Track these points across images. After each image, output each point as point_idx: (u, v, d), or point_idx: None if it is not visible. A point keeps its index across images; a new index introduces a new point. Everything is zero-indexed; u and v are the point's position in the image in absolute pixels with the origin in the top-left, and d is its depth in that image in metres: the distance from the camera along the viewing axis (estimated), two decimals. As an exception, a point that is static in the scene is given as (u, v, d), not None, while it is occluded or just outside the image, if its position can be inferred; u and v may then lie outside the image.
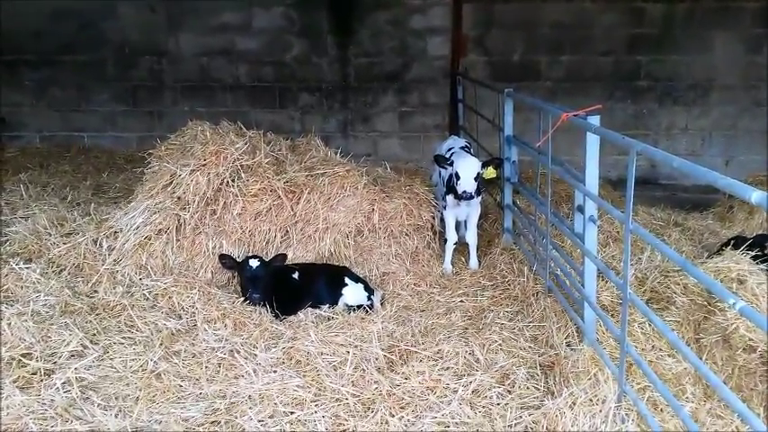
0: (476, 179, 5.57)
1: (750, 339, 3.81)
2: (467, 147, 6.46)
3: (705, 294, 4.26)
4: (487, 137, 7.58)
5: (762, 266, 4.27)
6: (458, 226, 6.16)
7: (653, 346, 4.23)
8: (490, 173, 5.71)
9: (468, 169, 5.56)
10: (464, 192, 5.49)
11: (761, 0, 8.61)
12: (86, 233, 5.35)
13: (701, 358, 3.83)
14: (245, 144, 5.76)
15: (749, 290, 4.00)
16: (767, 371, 3.70)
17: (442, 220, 6.17)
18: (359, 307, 5.05)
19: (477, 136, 7.99)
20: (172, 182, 5.47)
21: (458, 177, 5.57)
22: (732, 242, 5.18)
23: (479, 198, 6.00)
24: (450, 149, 6.28)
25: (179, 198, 5.42)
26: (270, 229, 5.60)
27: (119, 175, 7.78)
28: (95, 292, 4.87)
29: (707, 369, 2.85)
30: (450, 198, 5.88)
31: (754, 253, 4.52)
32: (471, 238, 6.10)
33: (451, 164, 5.69)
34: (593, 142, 4.15)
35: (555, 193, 5.09)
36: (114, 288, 4.91)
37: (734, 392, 2.62)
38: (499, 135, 6.38)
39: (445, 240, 6.08)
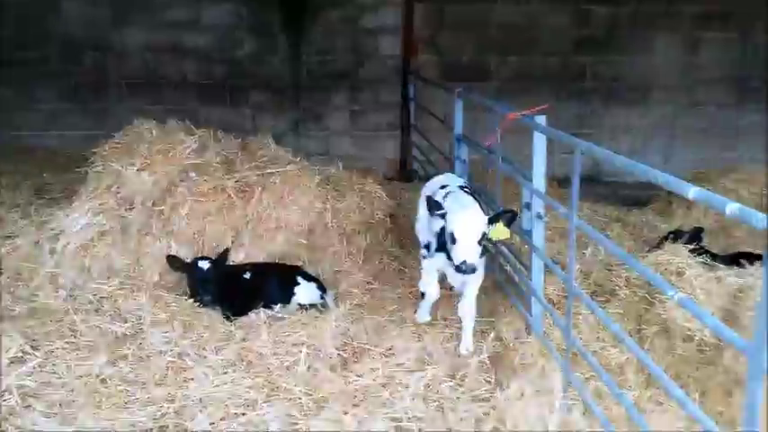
0: (480, 242, 3.95)
1: (688, 329, 3.98)
2: (466, 187, 4.77)
3: (646, 286, 4.43)
4: (439, 136, 7.68)
5: (699, 259, 4.47)
6: (441, 277, 4.66)
7: (597, 337, 4.37)
8: (500, 232, 4.01)
9: (468, 227, 3.90)
10: (463, 263, 3.83)
11: (700, 4, 8.98)
12: (27, 235, 5.16)
13: (642, 348, 3.96)
14: (194, 142, 5.66)
15: (687, 281, 4.18)
16: (704, 359, 3.87)
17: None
18: (312, 306, 5.03)
19: (429, 135, 8.08)
20: (116, 182, 5.32)
21: (453, 240, 3.90)
22: (671, 236, 5.40)
23: (483, 260, 4.32)
24: (443, 189, 4.66)
25: (124, 198, 5.28)
26: (220, 230, 5.51)
27: (61, 176, 7.50)
28: (36, 296, 4.70)
29: (648, 359, 2.96)
30: (439, 256, 4.36)
31: (692, 246, 4.73)
32: (466, 310, 4.42)
33: (443, 215, 4.06)
34: (540, 141, 4.26)
35: (504, 191, 5.16)
36: (56, 292, 4.75)
37: (673, 380, 2.73)
38: (450, 134, 6.47)
39: (422, 294, 4.72)
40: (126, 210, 5.27)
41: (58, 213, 5.34)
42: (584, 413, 3.62)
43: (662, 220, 7.32)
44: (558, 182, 7.49)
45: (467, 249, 3.85)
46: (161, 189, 5.40)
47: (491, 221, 3.98)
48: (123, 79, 9.16)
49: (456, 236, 3.86)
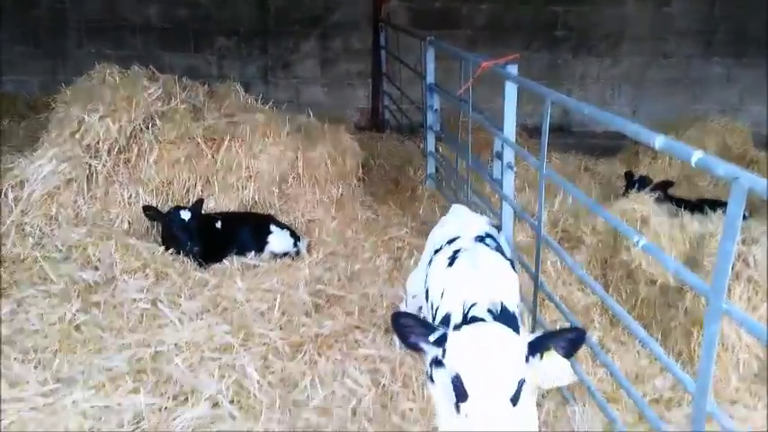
0: (516, 398, 2.06)
1: (651, 274, 4.14)
2: (490, 236, 3.20)
3: (612, 234, 4.57)
4: (410, 85, 7.61)
5: (663, 206, 4.62)
6: None
7: (564, 282, 4.53)
8: (554, 372, 2.25)
9: (490, 371, 2.05)
10: None
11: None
12: (-11, 183, 5.02)
13: (607, 292, 4.12)
14: (159, 89, 5.50)
15: (652, 229, 4.32)
16: (665, 301, 4.05)
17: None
18: (285, 254, 5.05)
19: (401, 84, 8.00)
20: (80, 129, 5.16)
21: (461, 393, 2.08)
22: (636, 182, 5.52)
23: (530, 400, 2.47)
24: (451, 244, 3.12)
25: (88, 146, 5.14)
26: (189, 178, 5.43)
27: (21, 122, 7.24)
28: (3, 244, 4.61)
29: (612, 301, 3.08)
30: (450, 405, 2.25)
31: (656, 195, 4.87)
32: None
33: (440, 341, 2.19)
34: (511, 91, 4.27)
35: (475, 141, 5.18)
36: (24, 240, 4.67)
37: (636, 321, 2.86)
38: (422, 83, 6.42)
39: None
40: (91, 157, 5.13)
41: (20, 161, 5.18)
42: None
43: (629, 169, 7.48)
44: (528, 131, 7.55)
45: (487, 421, 2.00)
46: (126, 136, 5.26)
47: (536, 350, 2.16)
48: (82, 23, 8.75)
49: (466, 387, 2.04)
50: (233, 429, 3.09)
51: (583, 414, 3.34)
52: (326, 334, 3.92)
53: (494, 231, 3.30)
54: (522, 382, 2.06)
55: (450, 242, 3.15)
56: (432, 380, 2.52)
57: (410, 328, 2.21)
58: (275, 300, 4.17)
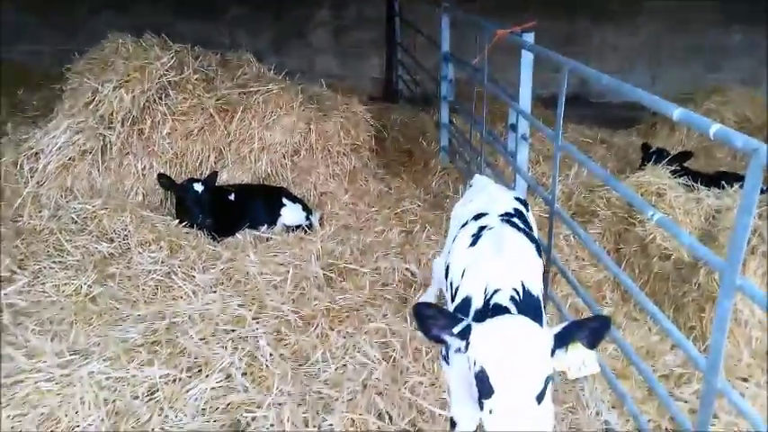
0: (541, 396, 2.01)
1: (665, 248, 4.10)
2: (515, 214, 3.05)
3: (626, 207, 4.52)
4: (424, 54, 7.49)
5: (680, 180, 4.54)
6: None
7: (576, 257, 4.50)
8: (579, 362, 2.15)
9: (517, 367, 1.99)
10: None
11: None
12: (5, 154, 5.05)
13: (620, 266, 4.10)
14: (171, 59, 5.47)
15: (667, 202, 4.27)
16: (679, 277, 4.02)
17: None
18: (297, 227, 5.06)
19: (415, 53, 7.89)
20: (93, 99, 5.17)
21: (487, 389, 2.01)
22: (654, 155, 5.43)
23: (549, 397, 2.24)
24: (478, 220, 2.99)
25: (102, 117, 5.16)
26: (203, 150, 5.44)
27: (36, 93, 7.26)
28: (20, 216, 4.67)
29: (625, 276, 3.06)
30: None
31: (673, 168, 4.79)
32: None
33: (464, 333, 2.12)
34: (527, 60, 4.19)
35: (490, 112, 5.10)
36: (40, 212, 4.72)
37: (648, 297, 2.84)
38: (436, 52, 6.32)
39: (452, 424, 2.70)
40: (105, 128, 5.15)
41: (35, 132, 5.22)
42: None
43: (646, 141, 7.36)
44: (544, 102, 7.43)
45: (514, 420, 1.95)
46: (139, 107, 5.26)
47: (561, 342, 2.12)
48: (95, -9, 8.71)
49: (492, 384, 1.99)
50: (245, 401, 3.14)
51: (592, 390, 3.35)
52: (338, 308, 3.95)
53: (522, 208, 3.15)
54: (548, 380, 2.02)
55: (476, 218, 3.01)
56: (446, 361, 2.52)
57: (433, 320, 2.12)
58: (288, 273, 4.20)
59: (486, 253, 2.63)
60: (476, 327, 2.10)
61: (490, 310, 2.31)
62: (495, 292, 2.37)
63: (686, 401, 3.26)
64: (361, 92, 7.89)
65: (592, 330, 2.12)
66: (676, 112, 2.38)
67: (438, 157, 6.54)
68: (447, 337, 2.13)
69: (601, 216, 4.70)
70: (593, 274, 4.35)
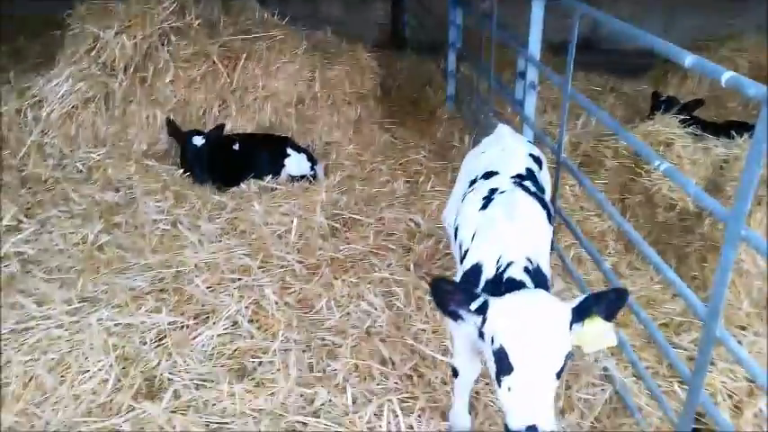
0: (561, 372, 2.01)
1: (671, 198, 4.08)
2: (527, 175, 2.93)
3: (633, 157, 4.47)
4: (432, -1, 7.30)
5: (689, 129, 4.47)
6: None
7: (581, 207, 4.49)
8: (598, 336, 2.13)
9: (537, 345, 1.97)
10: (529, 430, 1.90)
11: None
12: (8, 102, 5.02)
13: (624, 217, 4.08)
14: (173, 3, 5.34)
15: (675, 152, 4.22)
16: (683, 226, 4.01)
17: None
18: (302, 177, 5.05)
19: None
20: (95, 46, 5.10)
21: (505, 367, 2.00)
22: (663, 104, 5.34)
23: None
24: (488, 179, 2.92)
25: (104, 64, 5.09)
26: (206, 98, 5.39)
27: (37, 39, 7.15)
28: (25, 165, 4.68)
29: (629, 226, 3.05)
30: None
31: (682, 117, 4.71)
32: None
33: (482, 309, 2.10)
34: (538, 4, 4.07)
35: (498, 60, 5.00)
36: (44, 161, 4.73)
37: (651, 247, 2.84)
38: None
39: (455, 373, 2.77)
40: (108, 76, 5.09)
41: (37, 79, 5.16)
42: (564, 280, 3.80)
43: (656, 89, 7.21)
44: (553, 49, 7.25)
45: (533, 398, 1.94)
46: (141, 54, 5.18)
47: (579, 317, 2.08)
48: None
49: (512, 362, 1.97)
50: (252, 347, 3.21)
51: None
52: (343, 257, 3.98)
53: (534, 166, 3.03)
54: (568, 356, 1.99)
55: (486, 176, 2.90)
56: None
57: (450, 295, 2.10)
58: (292, 223, 4.22)
59: (497, 219, 2.54)
60: (493, 302, 2.06)
61: (504, 284, 2.26)
62: (510, 264, 2.30)
63: (685, 349, 3.31)
64: (366, 39, 7.72)
65: (609, 303, 2.09)
66: (688, 59, 2.33)
67: (444, 106, 6.45)
68: (464, 313, 2.11)
69: (607, 166, 4.66)
70: (597, 225, 4.35)
